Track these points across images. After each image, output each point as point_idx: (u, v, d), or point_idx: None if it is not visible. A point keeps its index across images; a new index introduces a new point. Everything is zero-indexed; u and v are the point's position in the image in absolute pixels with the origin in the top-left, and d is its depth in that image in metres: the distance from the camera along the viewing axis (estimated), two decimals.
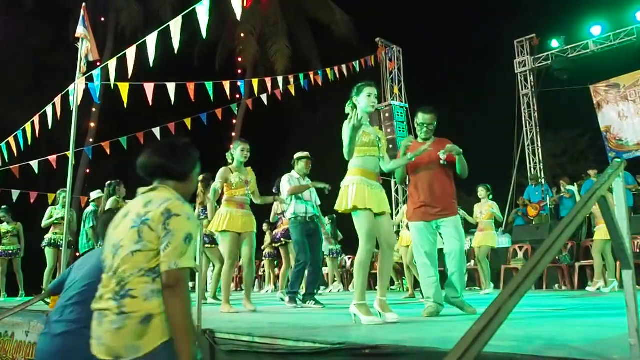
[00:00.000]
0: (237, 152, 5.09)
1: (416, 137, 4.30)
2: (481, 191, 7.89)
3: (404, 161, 3.85)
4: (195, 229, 1.78)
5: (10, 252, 8.30)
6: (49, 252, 7.64)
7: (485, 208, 7.82)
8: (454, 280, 4.02)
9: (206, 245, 6.33)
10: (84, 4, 5.96)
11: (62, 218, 7.52)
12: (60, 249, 7.50)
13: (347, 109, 3.70)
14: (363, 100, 3.62)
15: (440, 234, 4.20)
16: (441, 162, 4.05)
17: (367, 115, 3.68)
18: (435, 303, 3.92)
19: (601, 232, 6.97)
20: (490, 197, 7.94)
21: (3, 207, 8.61)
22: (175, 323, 1.66)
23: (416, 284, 6.73)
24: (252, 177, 5.16)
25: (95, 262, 2.19)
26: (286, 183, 5.81)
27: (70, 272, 2.43)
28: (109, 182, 7.09)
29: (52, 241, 7.65)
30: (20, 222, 8.64)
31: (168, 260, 1.68)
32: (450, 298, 4.04)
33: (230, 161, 5.14)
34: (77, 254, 15.33)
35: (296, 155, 5.99)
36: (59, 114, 6.75)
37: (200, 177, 6.00)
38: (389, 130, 12.37)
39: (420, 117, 4.18)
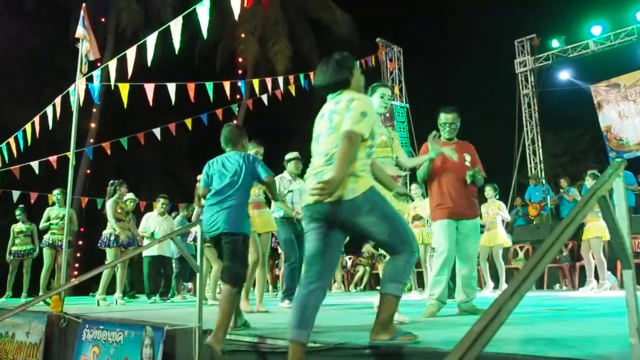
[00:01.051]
0: (252, 153, 4.97)
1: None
2: (488, 191, 7.88)
3: (426, 158, 3.88)
4: (372, 110, 2.39)
5: (22, 252, 8.23)
6: (46, 253, 7.68)
7: (492, 208, 7.82)
8: (465, 284, 4.00)
9: (207, 245, 6.29)
10: (83, 5, 5.94)
11: (60, 219, 7.52)
12: (58, 249, 7.53)
13: None
14: (376, 100, 3.66)
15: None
16: (467, 180, 4.04)
17: (378, 116, 3.70)
18: (437, 301, 3.93)
19: (591, 230, 6.89)
20: (497, 196, 7.95)
21: (20, 206, 8.60)
22: (338, 157, 2.27)
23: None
24: None
25: (234, 164, 3.27)
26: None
27: (212, 178, 3.29)
28: (111, 181, 7.14)
29: (50, 242, 7.68)
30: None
31: (347, 125, 2.31)
32: (460, 304, 4.03)
33: None
34: (78, 255, 15.33)
35: (287, 157, 5.98)
36: (59, 114, 6.74)
37: (199, 177, 5.97)
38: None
39: (442, 117, 4.21)
